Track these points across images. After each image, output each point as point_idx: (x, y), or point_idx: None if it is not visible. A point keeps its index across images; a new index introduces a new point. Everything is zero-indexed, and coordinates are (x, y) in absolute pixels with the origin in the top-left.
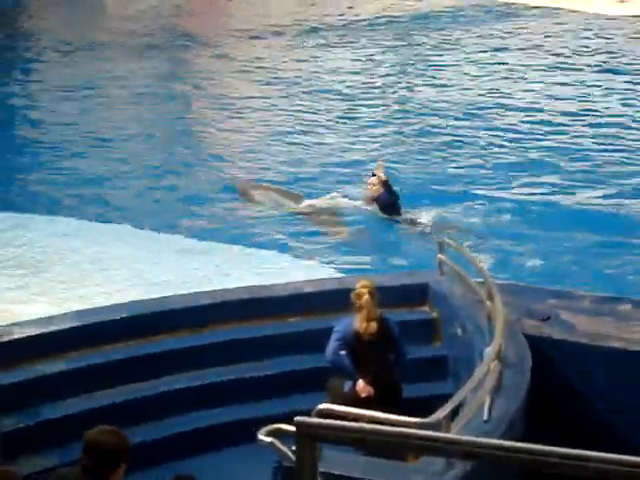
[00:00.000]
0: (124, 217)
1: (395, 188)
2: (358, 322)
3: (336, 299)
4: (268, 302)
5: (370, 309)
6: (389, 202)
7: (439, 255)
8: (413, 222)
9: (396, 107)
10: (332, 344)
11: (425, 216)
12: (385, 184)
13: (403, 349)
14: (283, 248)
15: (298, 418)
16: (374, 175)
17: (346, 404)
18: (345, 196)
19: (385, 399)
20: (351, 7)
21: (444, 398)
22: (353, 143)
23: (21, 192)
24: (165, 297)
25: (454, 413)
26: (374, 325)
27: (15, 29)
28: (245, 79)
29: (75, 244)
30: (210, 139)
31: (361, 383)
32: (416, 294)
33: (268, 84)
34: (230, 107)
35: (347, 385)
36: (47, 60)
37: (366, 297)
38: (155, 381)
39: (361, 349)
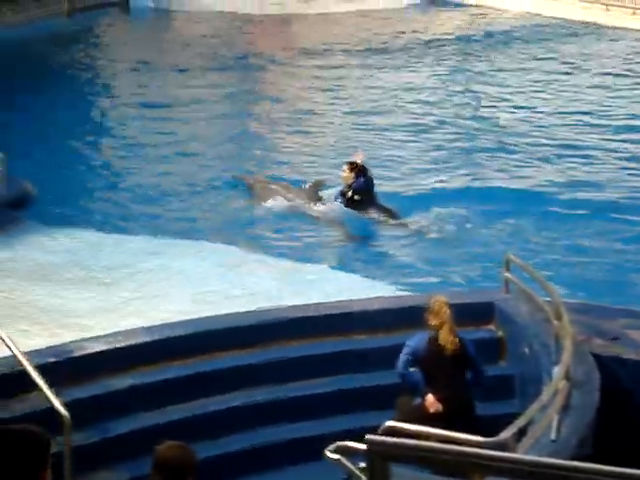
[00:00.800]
0: (196, 233)
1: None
2: (442, 337)
3: (401, 316)
4: (333, 319)
5: (452, 324)
6: (363, 189)
7: (505, 273)
8: (389, 212)
9: (464, 125)
10: (402, 358)
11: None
12: (359, 171)
13: (481, 367)
14: (347, 267)
15: (369, 436)
16: (351, 164)
17: (415, 420)
18: (328, 186)
19: (458, 417)
20: (422, 27)
21: (510, 418)
22: (423, 161)
23: (95, 210)
24: (230, 314)
25: (521, 433)
26: (456, 341)
27: (89, 51)
28: (316, 96)
29: (146, 260)
30: (280, 156)
31: (430, 398)
32: (482, 313)
33: (339, 101)
34: (301, 124)
35: (417, 401)
36: (123, 81)
37: (447, 311)
38: (221, 397)
39: (435, 365)
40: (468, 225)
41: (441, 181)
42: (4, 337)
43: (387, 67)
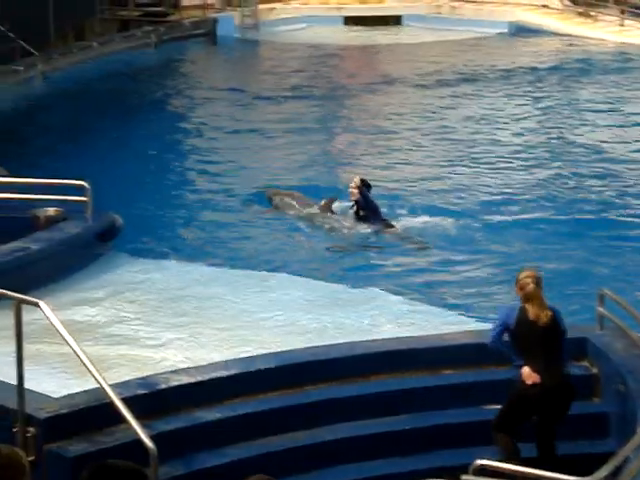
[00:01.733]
0: (280, 264)
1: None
2: (531, 312)
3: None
4: (419, 353)
5: (539, 297)
6: (364, 206)
7: (599, 308)
8: (391, 227)
9: (559, 152)
10: (495, 329)
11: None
12: (361, 188)
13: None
14: (431, 298)
15: (465, 477)
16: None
17: (518, 396)
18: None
19: (562, 397)
20: (512, 55)
21: (605, 456)
22: (505, 191)
23: (181, 241)
24: (317, 347)
25: (616, 472)
26: (548, 313)
27: (176, 82)
28: (406, 126)
29: (228, 292)
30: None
31: (526, 370)
32: (576, 349)
33: (429, 130)
34: (388, 154)
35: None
36: (209, 110)
37: (531, 286)
38: (308, 431)
39: (527, 337)
40: (567, 257)
41: (538, 209)
42: (91, 369)
43: (477, 95)
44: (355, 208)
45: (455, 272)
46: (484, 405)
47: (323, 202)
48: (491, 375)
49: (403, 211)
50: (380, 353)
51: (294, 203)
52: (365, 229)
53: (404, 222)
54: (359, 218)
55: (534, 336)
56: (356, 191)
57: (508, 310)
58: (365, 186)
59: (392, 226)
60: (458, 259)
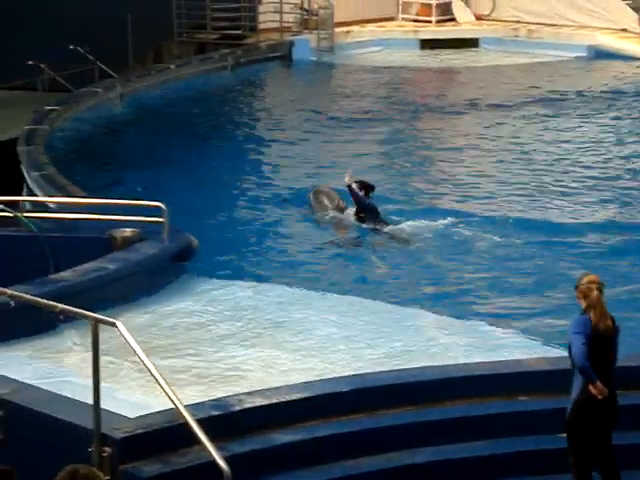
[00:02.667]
0: (351, 287)
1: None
2: (595, 320)
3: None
4: (494, 379)
5: (603, 305)
6: (363, 207)
7: None
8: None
9: (625, 179)
10: (580, 347)
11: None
12: (362, 189)
13: None
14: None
15: None
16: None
17: (584, 410)
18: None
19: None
20: (592, 79)
21: None
22: (580, 214)
23: (256, 262)
24: (390, 371)
25: None
26: (610, 322)
27: (252, 103)
28: (473, 146)
29: (302, 313)
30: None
31: (599, 385)
32: None
33: (499, 152)
34: (465, 180)
35: (575, 389)
36: (280, 131)
37: (596, 293)
38: (383, 456)
39: (598, 349)
40: None
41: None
42: (167, 389)
43: (554, 118)
44: (355, 208)
45: (522, 299)
46: (559, 433)
47: (337, 202)
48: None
49: (486, 233)
50: (455, 378)
51: (324, 200)
52: (357, 226)
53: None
54: (358, 218)
55: (601, 348)
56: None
57: (583, 323)
58: (363, 188)
59: (385, 225)
60: (523, 283)
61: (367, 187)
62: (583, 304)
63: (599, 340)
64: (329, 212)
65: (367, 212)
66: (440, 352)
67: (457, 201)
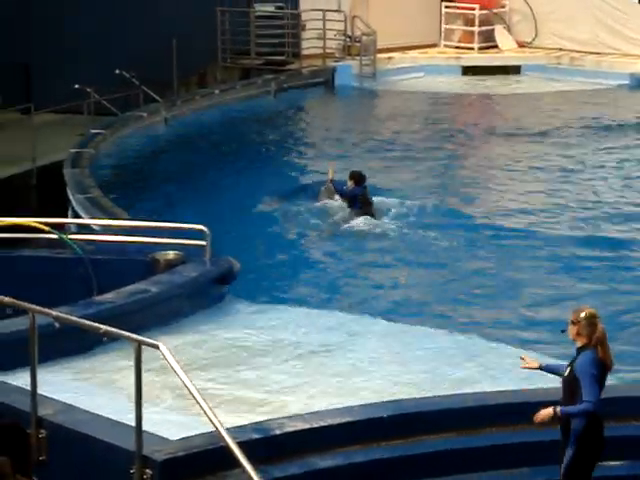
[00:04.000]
0: (391, 311)
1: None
2: (603, 356)
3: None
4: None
5: (607, 340)
6: (349, 195)
7: None
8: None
9: None
10: (596, 388)
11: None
12: (351, 179)
13: None
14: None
15: None
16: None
17: (595, 444)
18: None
19: None
20: (623, 108)
21: None
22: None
23: (296, 285)
24: (431, 397)
25: None
26: (611, 358)
27: (295, 127)
28: (514, 172)
29: (343, 338)
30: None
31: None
32: None
33: (540, 179)
34: (499, 206)
35: (580, 423)
36: (328, 157)
37: (601, 327)
38: None
39: (604, 385)
40: None
41: None
42: (208, 412)
43: (595, 147)
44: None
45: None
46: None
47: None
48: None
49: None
50: (494, 406)
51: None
52: (342, 214)
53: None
54: (349, 206)
55: (604, 383)
56: (350, 182)
57: (593, 362)
58: (352, 178)
59: (364, 214)
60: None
61: (357, 177)
62: (582, 341)
63: (604, 377)
64: (326, 200)
65: (349, 200)
66: (477, 379)
67: (493, 214)
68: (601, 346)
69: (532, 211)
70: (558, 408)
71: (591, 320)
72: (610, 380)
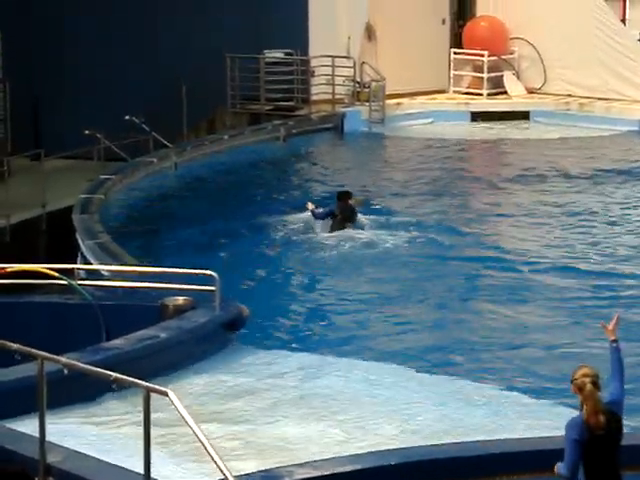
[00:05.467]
0: (403, 358)
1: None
2: (586, 416)
3: None
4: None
5: (596, 400)
6: (328, 213)
7: None
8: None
9: None
10: (572, 456)
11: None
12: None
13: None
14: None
15: None
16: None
17: None
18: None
19: None
20: (632, 155)
21: None
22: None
23: (305, 331)
24: (444, 444)
25: None
26: (602, 418)
27: (304, 173)
28: (524, 218)
29: (353, 384)
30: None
31: None
32: None
33: (549, 225)
34: (512, 254)
35: None
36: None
37: (589, 387)
38: None
39: (590, 451)
40: None
41: None
42: (217, 460)
43: (604, 194)
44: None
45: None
46: None
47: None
48: None
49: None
50: (503, 454)
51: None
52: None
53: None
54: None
55: (596, 449)
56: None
57: (577, 427)
58: (337, 197)
59: (341, 227)
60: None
61: (338, 195)
62: (580, 399)
63: (594, 439)
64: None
65: (329, 216)
66: (487, 426)
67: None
68: (586, 407)
69: (536, 253)
70: (558, 465)
71: (582, 379)
72: None
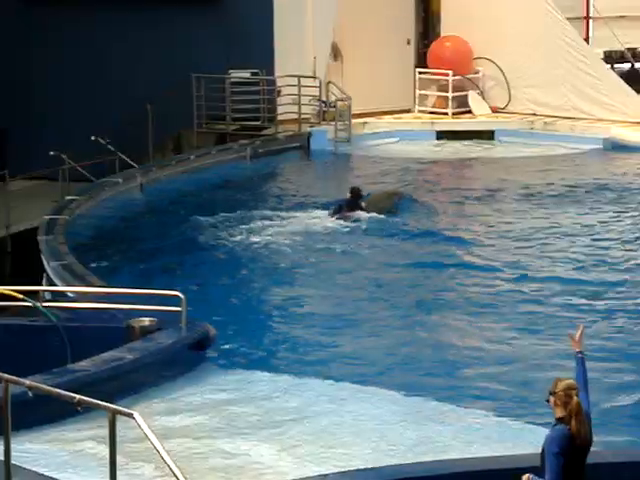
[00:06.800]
0: (372, 377)
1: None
2: (575, 430)
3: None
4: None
5: (583, 413)
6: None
7: None
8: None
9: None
10: (555, 470)
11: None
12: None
13: None
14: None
15: None
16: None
17: None
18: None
19: None
20: (604, 173)
21: None
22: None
23: (273, 351)
24: (407, 464)
25: None
26: (586, 430)
27: (270, 191)
28: (485, 237)
29: (321, 403)
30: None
31: None
32: None
33: (511, 243)
34: (471, 269)
35: None
36: (304, 223)
37: (576, 400)
38: None
39: (571, 460)
40: None
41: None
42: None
43: (566, 211)
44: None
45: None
46: None
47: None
48: None
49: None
50: (474, 472)
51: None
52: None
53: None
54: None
55: (578, 459)
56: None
57: (562, 439)
58: (352, 192)
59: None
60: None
61: (350, 190)
62: (560, 412)
63: (576, 451)
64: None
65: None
66: (456, 445)
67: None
68: (574, 419)
69: (503, 268)
70: (532, 477)
71: (567, 392)
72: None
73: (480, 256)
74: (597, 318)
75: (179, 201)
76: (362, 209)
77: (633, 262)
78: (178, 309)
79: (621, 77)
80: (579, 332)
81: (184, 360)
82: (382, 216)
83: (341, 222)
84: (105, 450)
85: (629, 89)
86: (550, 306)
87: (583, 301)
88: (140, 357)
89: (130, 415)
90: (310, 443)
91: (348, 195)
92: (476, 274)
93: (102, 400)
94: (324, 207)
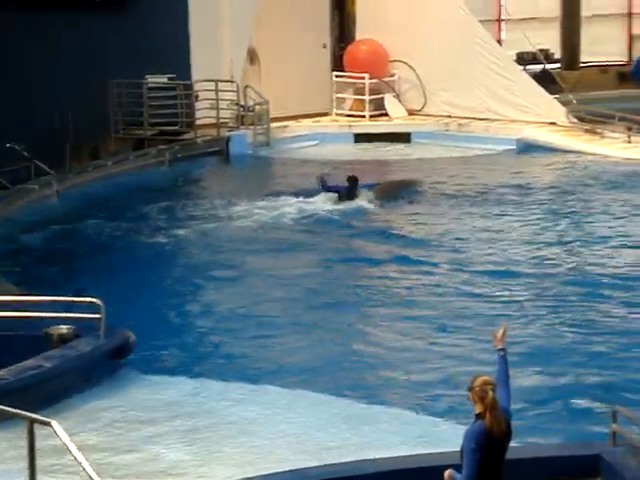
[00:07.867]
0: (295, 380)
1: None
2: (490, 425)
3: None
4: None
5: (499, 408)
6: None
7: (612, 425)
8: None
9: (552, 274)
10: (472, 465)
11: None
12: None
13: None
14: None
15: None
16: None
17: None
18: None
19: None
20: (517, 173)
21: None
22: (511, 307)
23: (195, 357)
24: (332, 464)
25: None
26: (504, 426)
27: (189, 196)
28: (401, 237)
29: (243, 408)
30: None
31: None
32: (587, 466)
33: (427, 244)
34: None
35: None
36: (224, 229)
37: (491, 395)
38: None
39: (491, 456)
40: None
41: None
42: None
43: (479, 212)
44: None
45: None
46: None
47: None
48: None
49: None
50: (396, 470)
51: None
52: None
53: None
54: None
55: (495, 453)
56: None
57: (478, 436)
58: (349, 179)
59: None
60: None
61: (347, 178)
62: (478, 408)
63: (493, 446)
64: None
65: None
66: (381, 445)
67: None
68: (489, 414)
69: (420, 269)
70: (453, 473)
71: (483, 387)
72: None
73: (405, 255)
74: (515, 315)
75: (96, 207)
76: (357, 197)
77: (543, 258)
78: (97, 316)
79: (534, 78)
80: (501, 330)
81: (103, 367)
82: (372, 205)
83: (271, 214)
84: (24, 461)
85: (542, 90)
86: (473, 303)
87: (499, 298)
88: (58, 365)
89: (47, 423)
90: (234, 447)
91: (346, 183)
92: (393, 275)
93: (21, 410)
94: (247, 204)
